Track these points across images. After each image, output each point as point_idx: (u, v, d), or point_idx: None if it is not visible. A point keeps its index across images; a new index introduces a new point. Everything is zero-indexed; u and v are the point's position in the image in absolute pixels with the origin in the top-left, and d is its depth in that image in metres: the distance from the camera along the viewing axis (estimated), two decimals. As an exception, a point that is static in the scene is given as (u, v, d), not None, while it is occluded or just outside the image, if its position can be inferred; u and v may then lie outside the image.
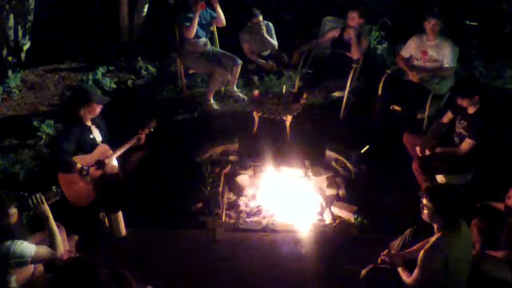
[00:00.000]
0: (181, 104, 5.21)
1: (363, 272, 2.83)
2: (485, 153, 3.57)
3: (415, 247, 2.83)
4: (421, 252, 2.53)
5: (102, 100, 3.47)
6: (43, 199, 2.72)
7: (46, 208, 2.73)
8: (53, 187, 2.85)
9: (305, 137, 4.52)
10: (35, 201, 2.69)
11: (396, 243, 2.96)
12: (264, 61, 5.58)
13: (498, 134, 3.56)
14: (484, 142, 3.46)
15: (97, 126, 3.60)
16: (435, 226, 2.61)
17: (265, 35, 5.43)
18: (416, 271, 2.54)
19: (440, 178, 3.74)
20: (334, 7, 6.06)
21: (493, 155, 3.77)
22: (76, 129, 3.41)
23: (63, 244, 2.83)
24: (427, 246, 2.54)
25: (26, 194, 2.71)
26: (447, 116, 3.79)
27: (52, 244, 2.68)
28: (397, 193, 3.83)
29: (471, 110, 3.52)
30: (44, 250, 2.63)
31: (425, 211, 2.61)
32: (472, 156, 3.52)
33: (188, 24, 4.77)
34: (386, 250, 2.85)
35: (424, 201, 2.60)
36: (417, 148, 3.69)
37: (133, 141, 3.67)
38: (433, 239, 2.56)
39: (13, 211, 2.62)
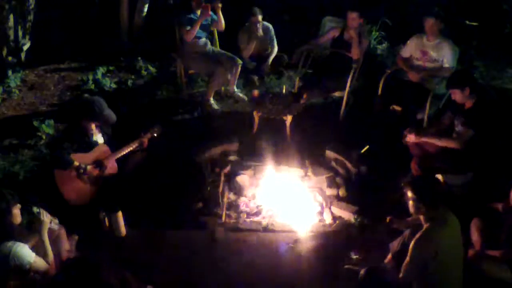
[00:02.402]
0: (181, 104, 5.20)
1: (362, 272, 2.84)
2: (484, 153, 3.56)
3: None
4: (411, 243, 2.57)
5: (107, 120, 3.51)
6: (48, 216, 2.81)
7: (47, 222, 2.79)
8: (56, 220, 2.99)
9: (305, 137, 4.52)
10: (42, 212, 2.77)
11: (395, 244, 2.97)
12: (254, 63, 5.57)
13: (496, 128, 3.54)
14: (481, 133, 3.42)
15: (100, 130, 3.63)
16: (421, 218, 2.67)
17: (258, 34, 5.37)
18: (406, 261, 2.58)
19: (439, 177, 3.72)
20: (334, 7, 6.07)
21: (493, 155, 3.76)
22: (78, 130, 3.47)
23: (63, 244, 2.84)
24: (417, 236, 2.58)
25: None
26: (448, 117, 3.78)
27: (44, 253, 2.69)
28: (397, 193, 3.82)
29: (467, 105, 3.52)
30: (41, 262, 2.63)
31: (410, 203, 2.70)
32: (472, 155, 3.51)
33: (189, 27, 4.77)
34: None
35: (408, 193, 2.70)
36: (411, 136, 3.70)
37: (135, 144, 3.70)
38: (422, 230, 2.60)
39: (16, 211, 2.63)
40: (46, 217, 2.78)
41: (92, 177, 3.52)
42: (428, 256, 2.52)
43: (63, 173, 3.42)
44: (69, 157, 3.38)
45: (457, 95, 3.50)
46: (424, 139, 3.62)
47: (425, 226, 2.62)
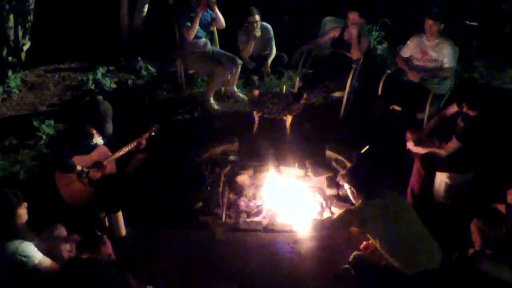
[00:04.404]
0: (181, 104, 5.21)
1: (351, 256, 2.99)
2: (485, 154, 3.55)
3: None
4: (343, 210, 3.01)
5: (105, 131, 3.54)
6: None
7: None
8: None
9: (305, 137, 4.52)
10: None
11: None
12: (254, 63, 5.57)
13: (491, 141, 3.47)
14: (470, 147, 3.40)
15: (101, 132, 3.64)
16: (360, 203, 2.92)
17: (256, 35, 5.32)
18: (335, 219, 3.02)
19: (440, 177, 3.72)
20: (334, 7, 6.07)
21: (493, 155, 3.76)
22: (79, 133, 3.48)
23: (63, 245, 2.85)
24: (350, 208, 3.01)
25: None
26: (452, 108, 3.70)
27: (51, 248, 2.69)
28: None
29: (471, 113, 3.46)
30: (47, 261, 2.63)
31: (349, 192, 2.98)
32: (473, 155, 3.50)
33: (189, 25, 4.77)
34: None
35: (345, 185, 3.00)
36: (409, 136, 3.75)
37: (133, 144, 3.70)
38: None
39: (21, 211, 2.63)
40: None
41: (92, 179, 3.53)
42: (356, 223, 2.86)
43: (64, 176, 3.43)
44: (72, 162, 3.40)
45: (465, 108, 3.41)
46: (415, 150, 3.66)
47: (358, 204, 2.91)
